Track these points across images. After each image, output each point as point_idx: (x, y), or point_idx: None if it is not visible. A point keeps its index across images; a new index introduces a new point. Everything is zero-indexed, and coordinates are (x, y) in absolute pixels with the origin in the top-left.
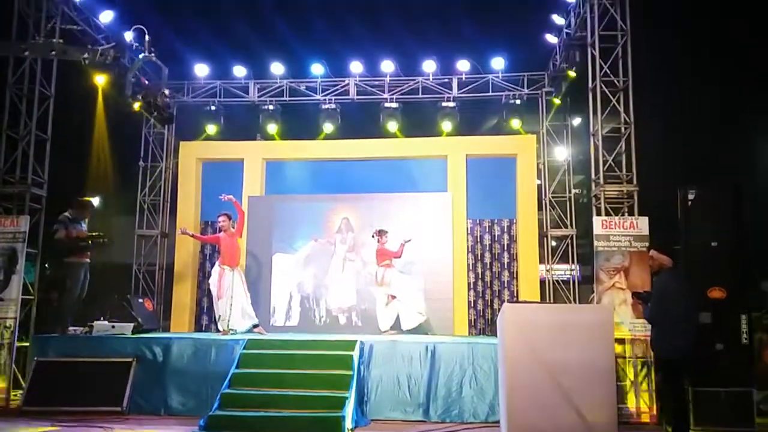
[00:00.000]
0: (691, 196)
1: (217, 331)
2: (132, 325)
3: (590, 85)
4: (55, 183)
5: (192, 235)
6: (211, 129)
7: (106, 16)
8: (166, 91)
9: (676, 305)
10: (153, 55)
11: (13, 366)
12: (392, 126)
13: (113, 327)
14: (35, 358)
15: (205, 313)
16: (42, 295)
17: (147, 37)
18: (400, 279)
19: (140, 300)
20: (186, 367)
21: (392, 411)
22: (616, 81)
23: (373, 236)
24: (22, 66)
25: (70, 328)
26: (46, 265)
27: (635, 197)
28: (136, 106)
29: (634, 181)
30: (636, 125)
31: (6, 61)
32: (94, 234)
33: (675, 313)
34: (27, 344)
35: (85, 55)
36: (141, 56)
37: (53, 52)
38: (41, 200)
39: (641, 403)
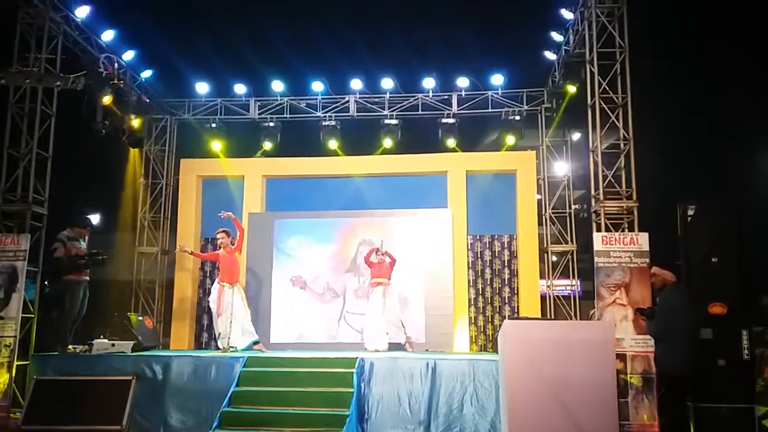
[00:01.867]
0: (690, 212)
1: (217, 348)
2: (132, 343)
3: (589, 101)
4: (56, 201)
5: (191, 253)
6: (212, 146)
7: (108, 36)
8: (132, 116)
9: (682, 321)
10: (122, 82)
11: (12, 384)
12: (392, 142)
13: (113, 345)
14: (34, 377)
15: (205, 331)
16: (42, 313)
17: (116, 65)
18: (374, 303)
19: (140, 318)
20: (186, 385)
21: (393, 428)
22: (615, 97)
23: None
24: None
25: (70, 347)
26: (46, 283)
27: (635, 213)
28: (104, 129)
29: (634, 197)
30: (635, 141)
31: None
32: (93, 251)
33: (680, 328)
34: (26, 363)
35: (58, 83)
36: (110, 83)
37: (28, 81)
38: (42, 218)
39: (643, 419)
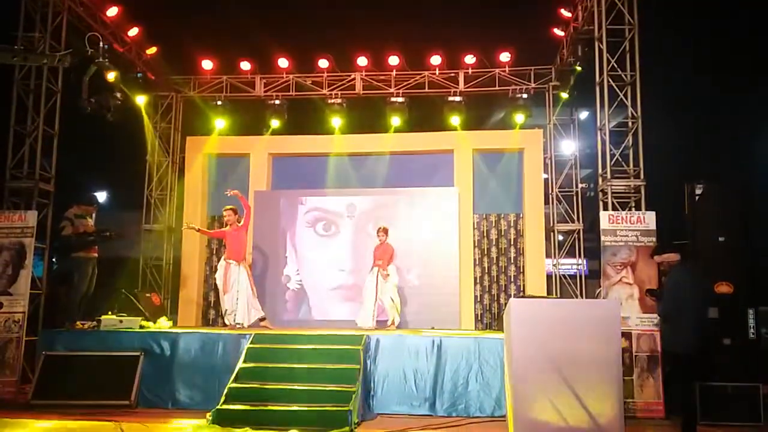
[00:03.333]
0: (698, 191)
1: (224, 325)
2: (139, 319)
3: (597, 79)
4: (62, 178)
5: (198, 230)
6: (218, 124)
7: (113, 12)
8: (118, 94)
9: (690, 300)
10: (106, 61)
11: (21, 360)
12: (398, 120)
13: (121, 321)
14: (43, 352)
15: (212, 308)
16: (50, 289)
17: (101, 44)
18: (369, 282)
19: (147, 294)
20: (193, 361)
21: (399, 405)
22: (623, 75)
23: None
24: None
25: (78, 323)
26: (54, 260)
27: (642, 192)
28: (89, 106)
29: (642, 176)
30: (643, 119)
31: None
32: (101, 229)
33: (687, 307)
34: (35, 338)
35: (45, 61)
36: (96, 61)
37: (15, 59)
38: (49, 195)
39: (648, 397)
